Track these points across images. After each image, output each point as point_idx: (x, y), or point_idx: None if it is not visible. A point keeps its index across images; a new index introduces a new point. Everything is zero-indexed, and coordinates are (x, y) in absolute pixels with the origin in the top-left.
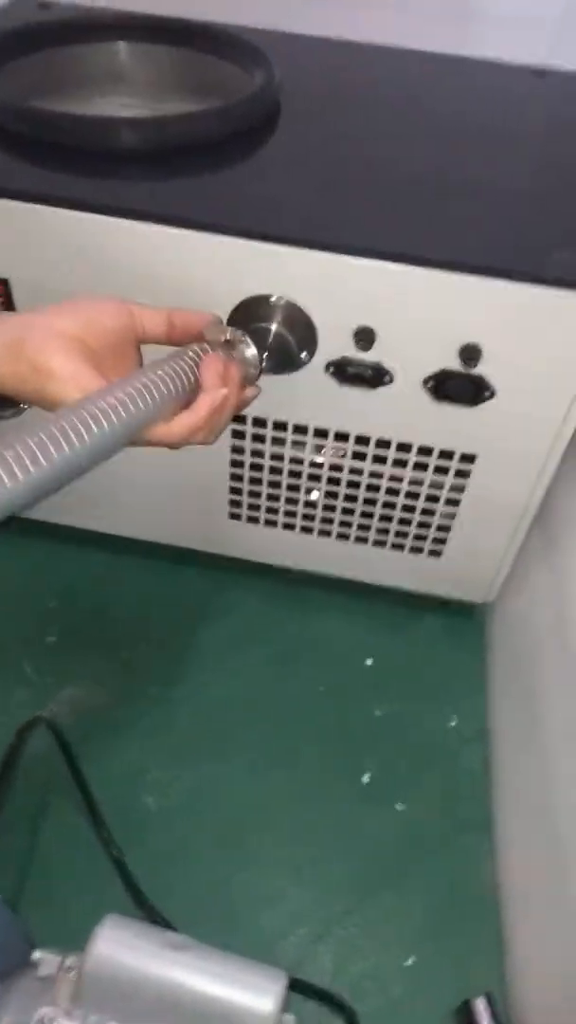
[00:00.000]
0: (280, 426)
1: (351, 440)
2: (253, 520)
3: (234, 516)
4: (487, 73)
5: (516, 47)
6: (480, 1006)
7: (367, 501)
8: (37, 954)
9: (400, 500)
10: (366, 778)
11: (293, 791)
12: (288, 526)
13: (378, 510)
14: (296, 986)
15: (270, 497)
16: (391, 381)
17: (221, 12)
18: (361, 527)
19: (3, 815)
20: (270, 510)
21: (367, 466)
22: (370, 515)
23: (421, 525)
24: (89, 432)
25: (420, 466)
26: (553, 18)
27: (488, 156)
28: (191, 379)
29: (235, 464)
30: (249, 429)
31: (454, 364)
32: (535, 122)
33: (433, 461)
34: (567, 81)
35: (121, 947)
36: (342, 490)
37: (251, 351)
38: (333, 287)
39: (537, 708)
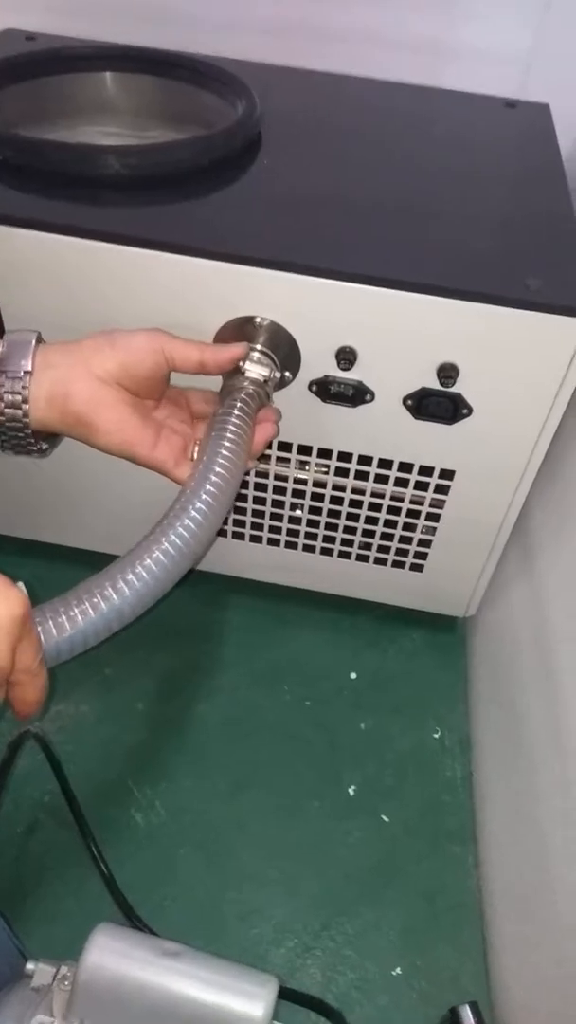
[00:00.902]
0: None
1: (334, 456)
2: (238, 536)
3: (219, 532)
4: (460, 104)
5: (488, 79)
6: (466, 1014)
7: (350, 516)
8: (31, 965)
9: (382, 515)
10: (351, 790)
11: (279, 804)
12: (273, 542)
13: (361, 525)
14: (285, 995)
15: (255, 513)
16: (372, 399)
17: (205, 44)
18: (344, 542)
19: None
20: (255, 526)
21: (350, 482)
22: (353, 530)
23: (403, 540)
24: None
25: (401, 482)
26: (522, 51)
27: (462, 184)
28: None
29: None
30: None
31: (433, 383)
32: (507, 151)
33: (413, 477)
34: (536, 111)
35: (114, 955)
36: (325, 506)
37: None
38: (316, 309)
39: (518, 718)
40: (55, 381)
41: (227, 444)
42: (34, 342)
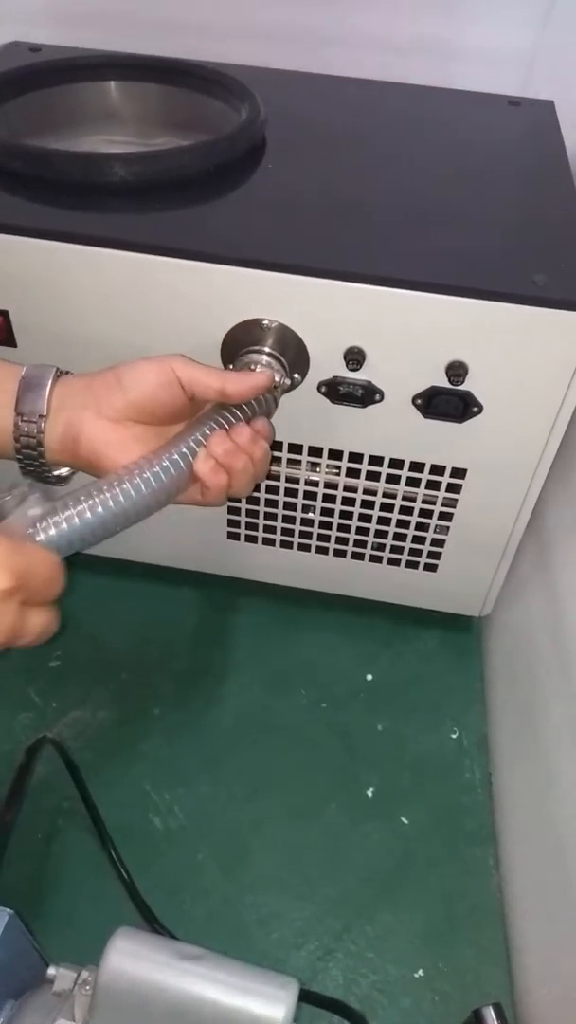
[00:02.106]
0: (276, 446)
1: (345, 457)
2: (251, 540)
3: (232, 536)
4: (464, 103)
5: (492, 77)
6: (489, 1016)
7: (362, 517)
8: (52, 970)
9: (395, 515)
10: (369, 792)
11: (297, 807)
12: (286, 544)
13: (373, 526)
14: (307, 997)
15: (267, 516)
16: (381, 399)
17: (208, 51)
18: (357, 543)
19: (14, 837)
20: (268, 529)
21: (361, 483)
22: (366, 531)
23: (416, 540)
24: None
25: (413, 481)
26: (526, 49)
27: (468, 183)
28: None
29: None
30: None
31: (442, 381)
32: (512, 149)
33: (425, 476)
34: (540, 108)
35: (134, 958)
36: (338, 507)
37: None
38: (323, 310)
39: (536, 717)
40: (67, 424)
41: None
42: (51, 381)
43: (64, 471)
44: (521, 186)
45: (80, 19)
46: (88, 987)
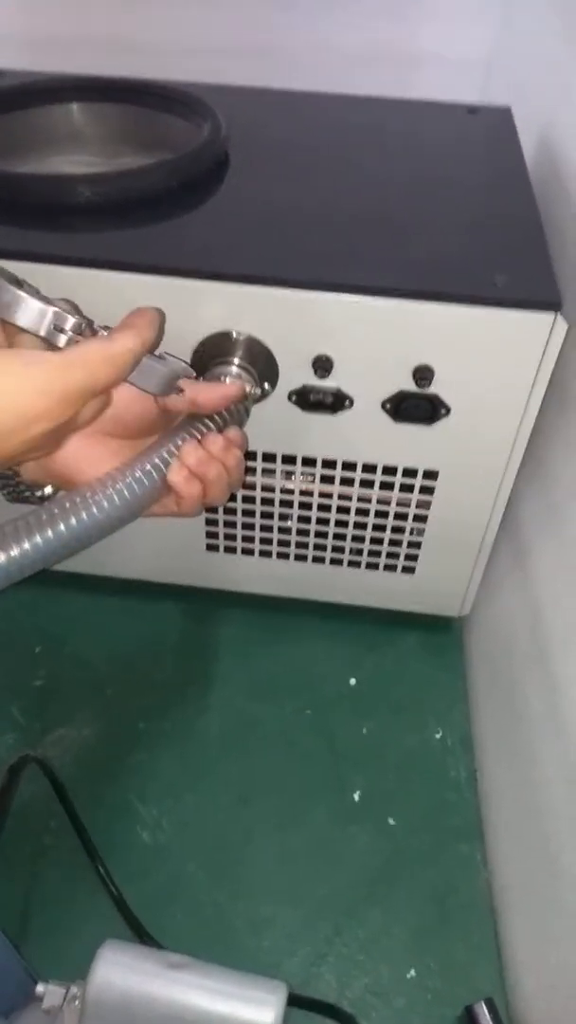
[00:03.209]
0: (250, 455)
1: (318, 464)
2: (230, 550)
3: (211, 548)
4: (424, 113)
5: (451, 84)
6: (482, 1011)
7: (339, 523)
8: (41, 987)
9: (370, 520)
10: (356, 795)
11: (285, 814)
12: (264, 553)
13: (350, 531)
14: (299, 1002)
15: (245, 526)
16: (351, 405)
17: (169, 70)
18: (335, 549)
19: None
20: (246, 539)
21: (336, 489)
22: (343, 537)
23: (392, 543)
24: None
25: (386, 485)
26: (481, 57)
27: (429, 191)
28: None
29: None
30: None
31: (409, 385)
32: (471, 156)
33: (398, 480)
34: (498, 115)
35: (122, 969)
36: (314, 514)
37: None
38: (289, 320)
39: (518, 713)
40: None
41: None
42: None
43: (48, 490)
44: (481, 192)
45: (41, 43)
46: (77, 1002)
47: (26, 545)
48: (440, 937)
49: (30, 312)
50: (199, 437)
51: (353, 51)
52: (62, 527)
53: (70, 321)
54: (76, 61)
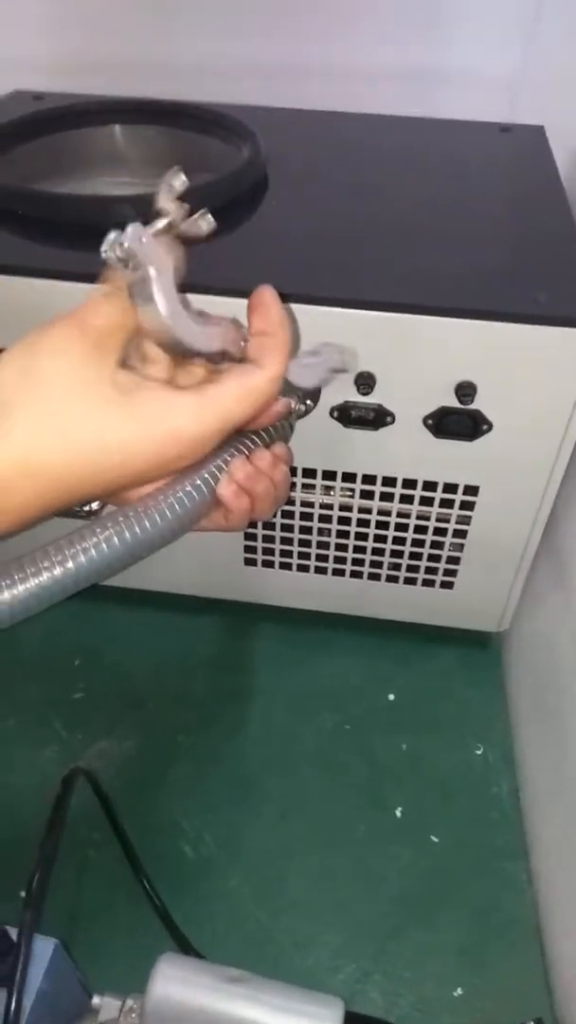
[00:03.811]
0: (291, 471)
1: (358, 480)
2: (268, 564)
3: (249, 562)
4: (457, 132)
5: (481, 106)
6: None
7: (378, 538)
8: (97, 999)
9: (409, 535)
10: (398, 812)
11: (326, 830)
12: (302, 568)
13: (389, 546)
14: (352, 1019)
15: (283, 541)
16: (393, 421)
17: (207, 92)
18: (374, 564)
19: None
20: (284, 553)
21: (375, 504)
22: (382, 552)
23: (431, 558)
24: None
25: (426, 500)
26: (512, 73)
27: (466, 210)
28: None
29: None
30: None
31: (451, 401)
32: (506, 175)
33: (438, 495)
34: (531, 133)
35: (180, 983)
36: (352, 529)
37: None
38: (333, 338)
39: (563, 729)
40: None
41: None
42: None
43: (95, 505)
44: (518, 210)
45: (80, 66)
46: (134, 1014)
47: (81, 559)
48: (486, 956)
49: (202, 340)
50: (247, 453)
51: (379, 72)
52: (116, 541)
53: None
54: (114, 84)
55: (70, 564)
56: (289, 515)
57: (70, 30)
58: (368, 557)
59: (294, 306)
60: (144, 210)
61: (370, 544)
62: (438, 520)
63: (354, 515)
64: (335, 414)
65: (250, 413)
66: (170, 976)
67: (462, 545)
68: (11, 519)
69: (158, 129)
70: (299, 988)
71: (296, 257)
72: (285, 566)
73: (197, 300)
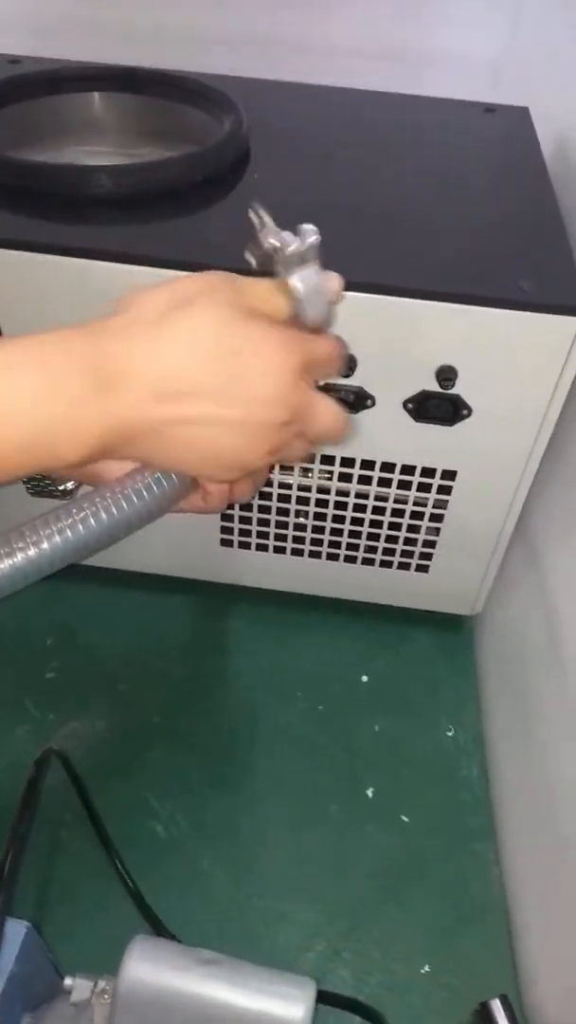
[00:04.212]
0: None
1: (337, 462)
2: (245, 546)
3: (226, 543)
4: (442, 111)
5: (466, 85)
6: (497, 1007)
7: (355, 521)
8: (69, 980)
9: (386, 518)
10: (370, 792)
11: (300, 810)
12: (279, 549)
13: (366, 529)
14: (325, 998)
15: (260, 522)
16: (373, 404)
17: (188, 61)
18: (350, 547)
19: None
20: (261, 535)
21: (353, 487)
22: (358, 534)
23: (408, 542)
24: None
25: (404, 484)
26: (495, 56)
27: (450, 190)
28: None
29: None
30: None
31: (432, 385)
32: (491, 156)
33: (416, 479)
34: (516, 115)
35: (152, 965)
36: (330, 511)
37: None
38: None
39: (531, 712)
40: None
41: None
42: None
43: (70, 484)
44: (503, 192)
45: (60, 30)
46: (106, 996)
47: (57, 539)
48: (454, 934)
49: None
50: None
51: (365, 48)
52: (93, 522)
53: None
54: (94, 50)
55: (45, 545)
56: (267, 497)
57: None
58: (345, 540)
59: None
60: (124, 181)
61: (347, 527)
62: (415, 504)
63: (332, 498)
64: None
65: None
66: (142, 958)
67: (438, 529)
68: None
69: (139, 98)
70: (271, 970)
71: None
72: (262, 547)
73: (168, 274)
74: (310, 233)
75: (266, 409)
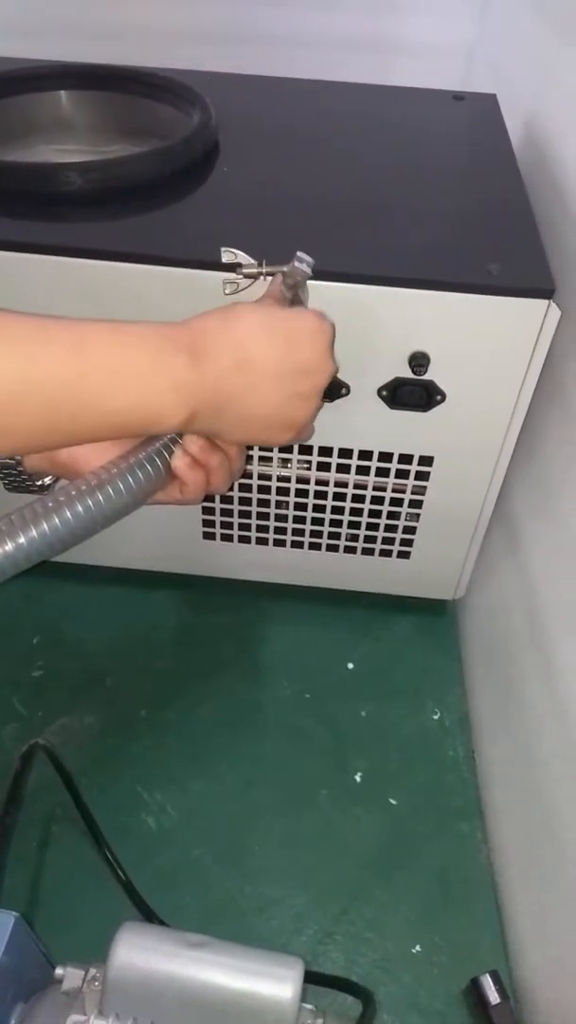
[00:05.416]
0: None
1: (315, 452)
2: (227, 538)
3: (208, 536)
4: (411, 100)
5: (437, 74)
6: (487, 983)
7: (335, 510)
8: (60, 970)
9: (366, 506)
10: (358, 777)
11: (288, 796)
12: (261, 541)
13: (346, 517)
14: (314, 978)
15: (242, 514)
16: (348, 392)
17: (156, 57)
18: (331, 535)
19: (12, 845)
20: (243, 527)
21: (332, 476)
22: (339, 523)
23: (388, 529)
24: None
25: (382, 472)
26: (466, 42)
27: (420, 178)
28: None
29: None
30: None
31: (405, 372)
32: (460, 143)
33: (394, 466)
34: (484, 102)
35: (141, 950)
36: (310, 501)
37: None
38: None
39: (514, 692)
40: None
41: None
42: None
43: (47, 480)
44: (470, 179)
45: (26, 28)
46: (97, 983)
47: (33, 533)
48: (444, 913)
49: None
50: None
51: (335, 39)
52: (68, 515)
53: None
54: (61, 47)
55: (21, 539)
56: (247, 488)
57: None
58: (326, 529)
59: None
60: (93, 177)
61: (328, 516)
62: (394, 491)
63: (311, 487)
64: None
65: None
66: (131, 943)
67: (418, 515)
68: None
69: (106, 95)
70: (259, 950)
71: (247, 226)
72: (244, 539)
73: (140, 269)
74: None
75: (313, 375)
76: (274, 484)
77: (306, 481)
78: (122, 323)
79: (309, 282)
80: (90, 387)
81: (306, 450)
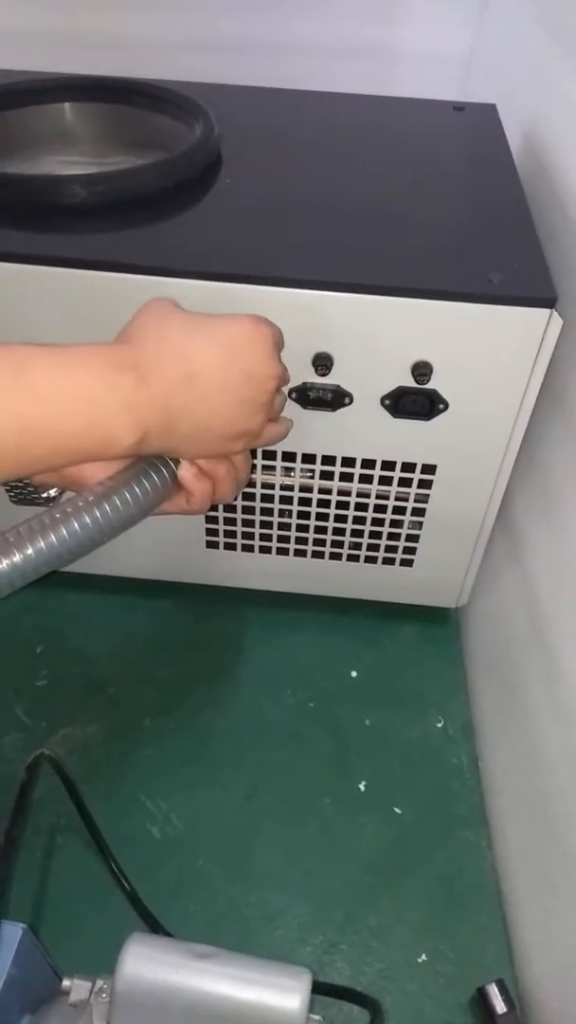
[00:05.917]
0: (251, 453)
1: (318, 461)
2: (230, 547)
3: (211, 544)
4: (411, 110)
5: (435, 84)
6: (493, 993)
7: (338, 518)
8: (67, 981)
9: (369, 514)
10: (362, 785)
11: (292, 805)
12: (264, 549)
13: (349, 526)
14: (318, 988)
15: (245, 523)
16: (351, 402)
17: (158, 68)
18: (334, 544)
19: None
20: (246, 535)
21: (335, 484)
22: (342, 531)
23: (391, 537)
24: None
25: (385, 480)
26: (464, 52)
27: (422, 188)
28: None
29: None
30: None
31: (408, 381)
32: (460, 153)
33: (397, 474)
34: (484, 112)
35: (149, 962)
36: (313, 510)
37: None
38: (289, 319)
39: (518, 700)
40: None
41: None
42: None
43: (53, 491)
44: (472, 188)
45: (27, 40)
46: (105, 995)
47: (40, 545)
48: (449, 922)
49: None
50: None
51: (334, 49)
52: (75, 527)
53: None
54: (62, 59)
55: (29, 551)
56: (250, 497)
57: (16, 2)
58: (329, 537)
59: (248, 288)
60: (96, 189)
61: (331, 524)
62: (397, 499)
63: (314, 496)
64: (293, 395)
65: None
66: (139, 955)
67: (420, 523)
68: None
69: (110, 107)
70: (267, 961)
71: (251, 237)
72: (247, 548)
73: (144, 280)
74: None
75: (259, 380)
76: (277, 493)
77: (309, 490)
78: (63, 346)
79: (308, 291)
80: (34, 414)
81: (309, 459)
